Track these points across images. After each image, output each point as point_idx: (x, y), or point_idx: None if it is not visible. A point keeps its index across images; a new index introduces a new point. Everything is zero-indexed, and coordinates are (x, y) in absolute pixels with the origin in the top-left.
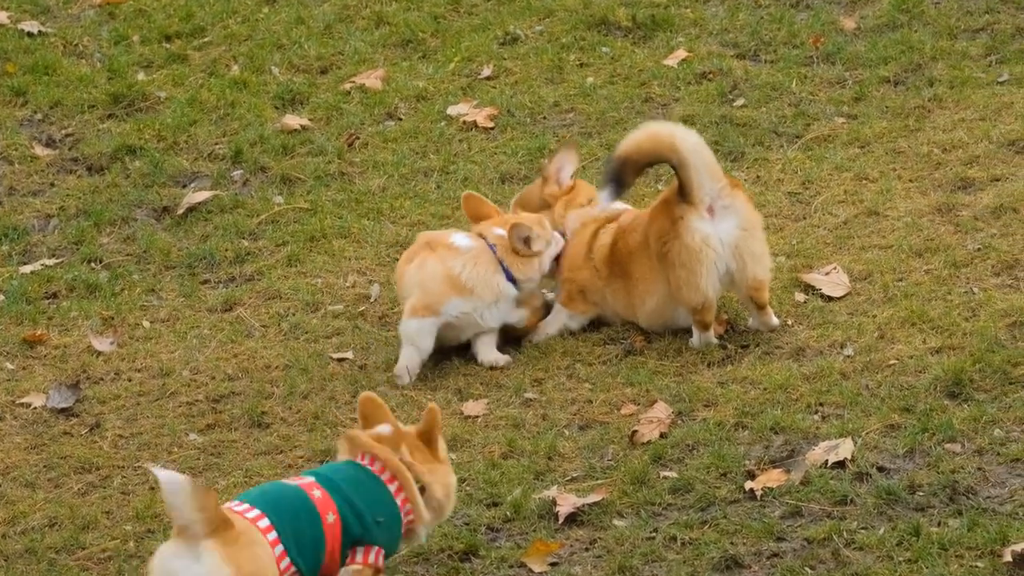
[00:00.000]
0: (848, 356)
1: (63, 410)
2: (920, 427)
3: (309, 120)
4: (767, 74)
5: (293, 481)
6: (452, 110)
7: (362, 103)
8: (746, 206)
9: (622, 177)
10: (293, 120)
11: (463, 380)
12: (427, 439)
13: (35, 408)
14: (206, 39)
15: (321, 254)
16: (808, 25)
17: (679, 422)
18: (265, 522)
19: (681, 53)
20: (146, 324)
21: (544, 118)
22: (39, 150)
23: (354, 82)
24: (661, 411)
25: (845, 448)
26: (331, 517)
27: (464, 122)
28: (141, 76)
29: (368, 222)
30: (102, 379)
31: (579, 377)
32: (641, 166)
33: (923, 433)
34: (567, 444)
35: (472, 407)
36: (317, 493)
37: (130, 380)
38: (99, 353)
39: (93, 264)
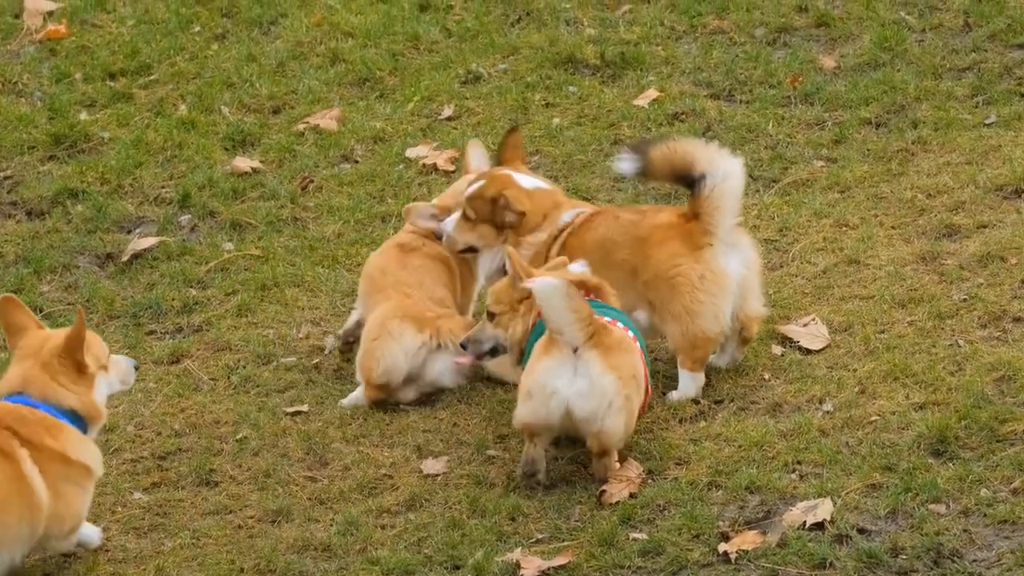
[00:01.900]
0: (827, 412)
1: None
2: (903, 487)
3: (261, 162)
4: (742, 115)
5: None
6: (411, 152)
7: (316, 144)
8: (751, 244)
9: (645, 168)
10: (244, 162)
11: (423, 437)
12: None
13: None
14: (152, 77)
15: (273, 303)
16: (785, 64)
17: (649, 481)
18: (630, 334)
19: (652, 93)
20: None
21: None
22: None
23: (308, 123)
24: (631, 469)
25: (824, 509)
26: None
27: (424, 165)
28: (84, 116)
29: (323, 270)
30: None
31: None
32: (667, 175)
33: (906, 493)
34: (532, 504)
35: (432, 465)
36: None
37: None
38: None
39: (33, 313)
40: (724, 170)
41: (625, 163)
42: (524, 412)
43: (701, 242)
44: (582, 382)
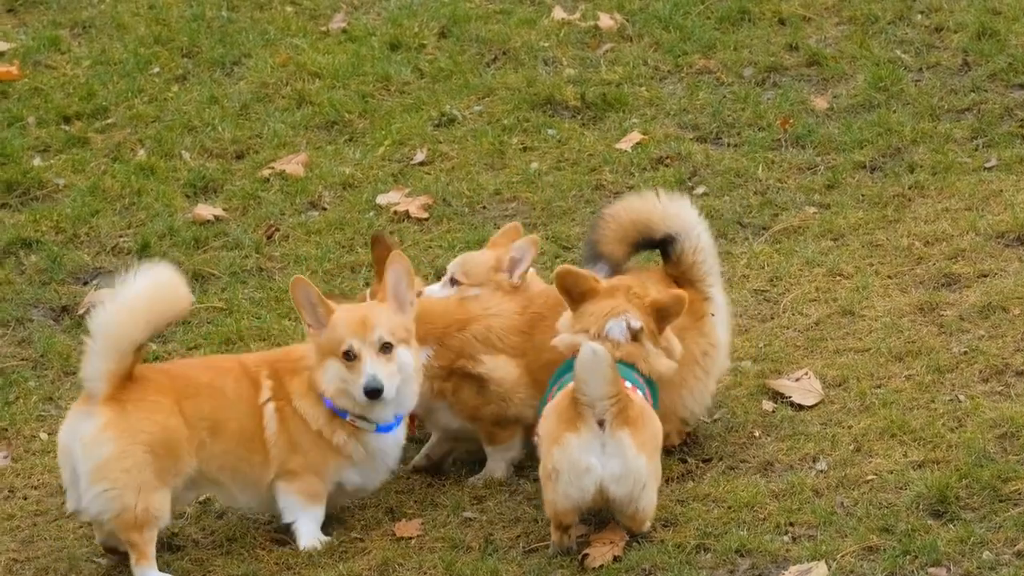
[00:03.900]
0: (821, 471)
1: None
2: (901, 549)
3: (224, 210)
4: (730, 159)
5: None
6: (382, 199)
7: (282, 191)
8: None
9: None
10: (206, 210)
11: (395, 498)
12: None
13: None
14: (109, 120)
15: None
16: (775, 105)
17: (634, 544)
18: (639, 393)
19: (635, 136)
20: (43, 436)
21: (484, 207)
22: None
23: (273, 168)
24: (614, 532)
25: (818, 572)
26: None
27: (395, 212)
28: (37, 161)
29: (289, 323)
30: None
31: (523, 493)
32: (628, 249)
33: (904, 556)
34: (511, 568)
35: (405, 527)
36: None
37: (25, 498)
38: None
39: None
40: (689, 223)
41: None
42: (555, 495)
43: (701, 311)
44: (616, 463)
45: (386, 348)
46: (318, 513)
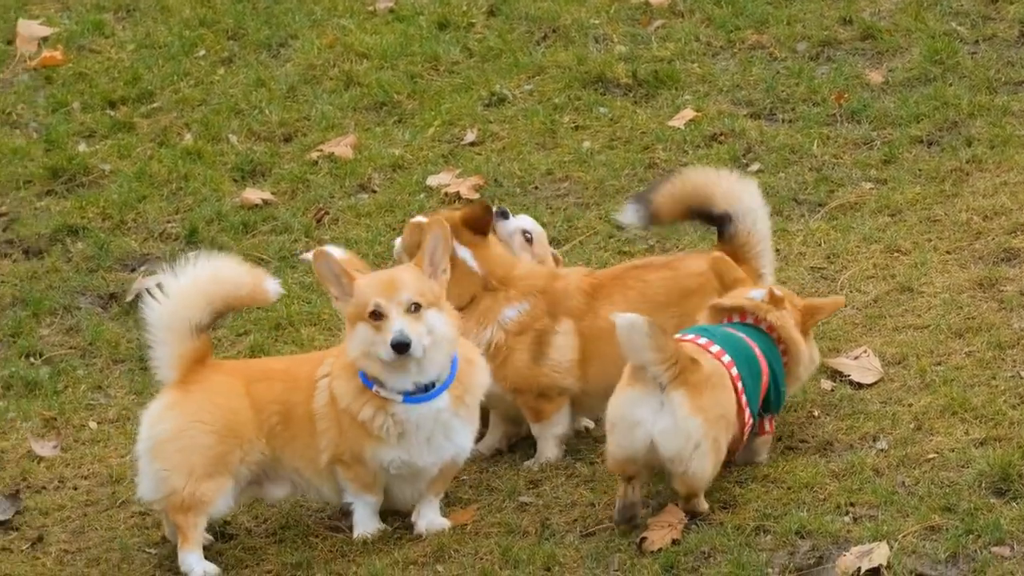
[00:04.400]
0: (881, 450)
1: (1, 523)
2: (964, 528)
3: (272, 194)
4: (785, 135)
5: (731, 331)
6: (432, 180)
7: (331, 174)
8: None
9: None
10: (254, 194)
11: (450, 483)
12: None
13: None
14: (155, 105)
15: (288, 343)
16: (830, 80)
17: (693, 526)
18: (727, 358)
19: (688, 113)
20: (93, 425)
21: (535, 188)
22: None
23: (322, 150)
24: (673, 514)
25: (880, 553)
26: (766, 378)
27: (446, 194)
28: (83, 147)
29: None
30: (44, 488)
31: (580, 477)
32: (681, 214)
33: (967, 535)
34: (568, 553)
35: (460, 515)
36: (756, 351)
37: (76, 488)
38: (40, 458)
39: (32, 359)
40: (749, 206)
41: (628, 213)
42: (610, 446)
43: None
44: (667, 420)
45: (414, 308)
46: (371, 499)
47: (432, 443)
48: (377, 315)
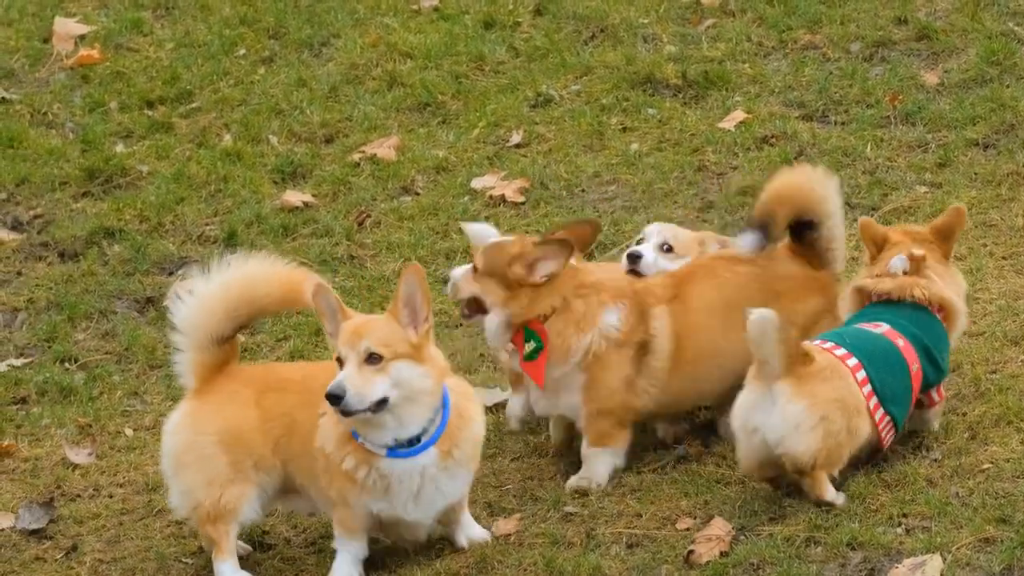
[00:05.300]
0: (935, 460)
1: (35, 532)
2: (1018, 541)
3: (313, 196)
4: (838, 137)
5: (871, 327)
6: (477, 183)
7: (373, 176)
8: None
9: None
10: (294, 196)
11: (493, 493)
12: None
13: (2, 530)
14: (194, 105)
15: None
16: (884, 81)
17: (742, 538)
18: (853, 361)
19: (739, 114)
20: (128, 432)
21: (582, 191)
22: (4, 234)
23: (364, 152)
24: (721, 526)
25: (933, 566)
26: (915, 367)
27: (491, 196)
28: (120, 148)
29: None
30: (79, 496)
31: (626, 487)
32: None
33: (1022, 548)
34: (614, 564)
35: (504, 524)
36: (900, 343)
37: (111, 496)
38: (75, 466)
39: (67, 364)
40: (830, 211)
41: (748, 239)
42: (738, 452)
43: (836, 294)
44: (772, 410)
45: (373, 359)
46: (354, 547)
47: (421, 497)
48: (340, 362)
